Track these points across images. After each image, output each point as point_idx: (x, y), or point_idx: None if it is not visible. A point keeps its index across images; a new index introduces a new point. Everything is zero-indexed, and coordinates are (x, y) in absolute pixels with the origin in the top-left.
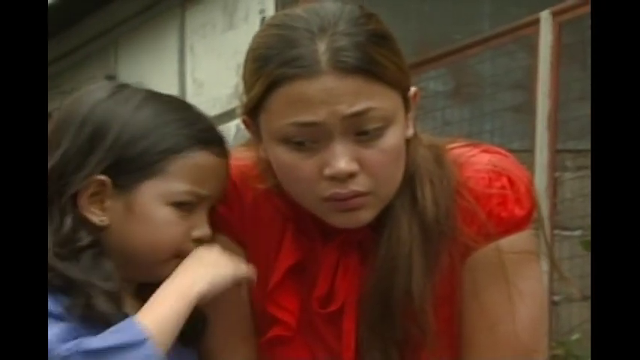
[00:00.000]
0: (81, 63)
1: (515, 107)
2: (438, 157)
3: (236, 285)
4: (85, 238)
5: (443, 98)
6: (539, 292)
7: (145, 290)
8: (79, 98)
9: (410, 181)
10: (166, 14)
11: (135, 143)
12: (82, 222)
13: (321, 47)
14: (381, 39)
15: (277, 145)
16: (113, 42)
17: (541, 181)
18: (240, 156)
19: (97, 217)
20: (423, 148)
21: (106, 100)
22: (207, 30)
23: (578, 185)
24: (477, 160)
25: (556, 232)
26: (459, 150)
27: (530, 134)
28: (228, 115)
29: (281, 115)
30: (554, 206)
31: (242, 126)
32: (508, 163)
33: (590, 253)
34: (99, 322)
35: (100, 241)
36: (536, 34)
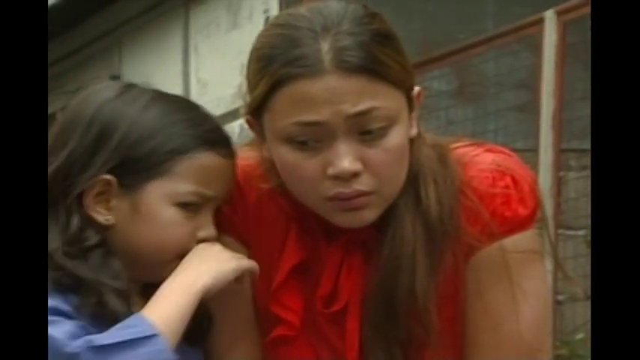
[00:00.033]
0: (85, 63)
1: (519, 107)
2: (442, 156)
3: (239, 279)
4: (92, 238)
5: (447, 98)
6: (543, 291)
7: (150, 290)
8: (86, 98)
9: (414, 180)
10: (170, 14)
11: (142, 143)
12: (89, 221)
13: (325, 47)
14: (384, 38)
15: (281, 145)
16: (117, 42)
17: (545, 180)
18: (244, 156)
19: (102, 216)
20: (426, 147)
21: (114, 100)
22: (211, 30)
23: (582, 185)
24: (481, 159)
25: (560, 231)
26: (463, 149)
27: (534, 134)
28: (232, 115)
29: (284, 114)
30: (558, 206)
31: (246, 126)
32: (512, 162)
33: None
34: (109, 321)
35: (107, 241)
36: (541, 33)
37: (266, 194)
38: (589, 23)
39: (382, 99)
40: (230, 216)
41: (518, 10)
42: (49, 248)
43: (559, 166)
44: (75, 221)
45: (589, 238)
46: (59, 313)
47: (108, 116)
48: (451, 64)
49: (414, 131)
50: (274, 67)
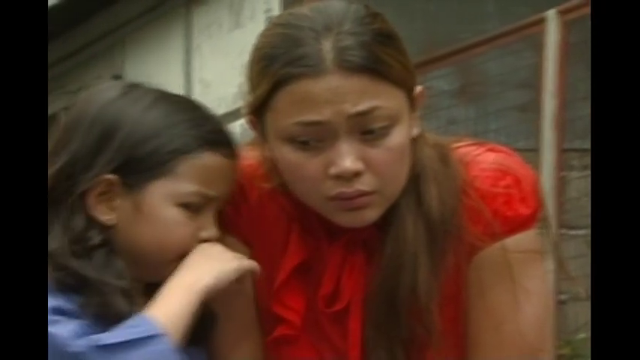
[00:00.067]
0: (87, 63)
1: (521, 106)
2: (444, 156)
3: (240, 279)
4: (95, 237)
5: (448, 97)
6: (544, 291)
7: (152, 290)
8: (89, 98)
9: (415, 180)
10: (172, 14)
11: (144, 143)
12: (92, 221)
13: (326, 46)
14: (386, 38)
15: (282, 145)
16: (119, 42)
17: (547, 180)
18: (246, 155)
19: (104, 216)
20: (428, 147)
21: (117, 100)
22: (213, 30)
23: (585, 184)
24: (483, 159)
25: (562, 231)
26: (465, 149)
27: (536, 133)
28: (234, 115)
29: (286, 114)
30: (560, 205)
31: (247, 125)
32: (513, 162)
33: None
34: (113, 320)
35: (109, 240)
36: (542, 33)
37: (267, 194)
38: None
39: (384, 99)
40: (232, 216)
41: (520, 10)
42: (53, 247)
43: (561, 165)
44: (78, 221)
45: None
46: (63, 312)
47: (111, 116)
48: (453, 64)
49: (415, 131)
50: (276, 67)
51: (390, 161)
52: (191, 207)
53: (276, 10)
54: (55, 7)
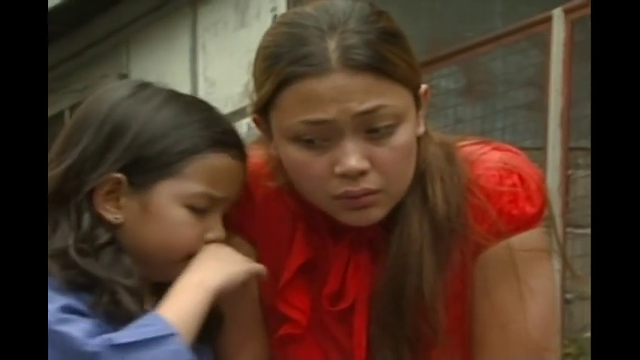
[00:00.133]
0: (92, 62)
1: (528, 105)
2: (449, 154)
3: (248, 281)
4: (103, 236)
5: (454, 96)
6: (550, 289)
7: (159, 289)
8: (100, 96)
9: (421, 178)
10: (178, 13)
11: (153, 143)
12: (99, 219)
13: (332, 45)
14: (391, 37)
15: (288, 144)
16: (125, 41)
17: (553, 179)
18: (251, 154)
19: (111, 214)
20: (434, 145)
21: (127, 99)
22: (218, 28)
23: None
24: (488, 157)
25: (568, 229)
26: (470, 148)
27: (543, 132)
28: (239, 114)
29: (291, 113)
30: (566, 204)
31: (253, 124)
32: (519, 160)
33: None
34: (123, 319)
35: (117, 239)
36: (549, 31)
37: (273, 193)
38: None
39: (389, 97)
40: (237, 214)
41: (526, 9)
42: (61, 245)
43: (567, 164)
44: (85, 219)
45: None
46: (74, 311)
47: (121, 115)
48: (459, 63)
49: (421, 129)
50: (281, 66)
51: (395, 160)
52: (198, 208)
53: (282, 9)
54: (60, 6)
